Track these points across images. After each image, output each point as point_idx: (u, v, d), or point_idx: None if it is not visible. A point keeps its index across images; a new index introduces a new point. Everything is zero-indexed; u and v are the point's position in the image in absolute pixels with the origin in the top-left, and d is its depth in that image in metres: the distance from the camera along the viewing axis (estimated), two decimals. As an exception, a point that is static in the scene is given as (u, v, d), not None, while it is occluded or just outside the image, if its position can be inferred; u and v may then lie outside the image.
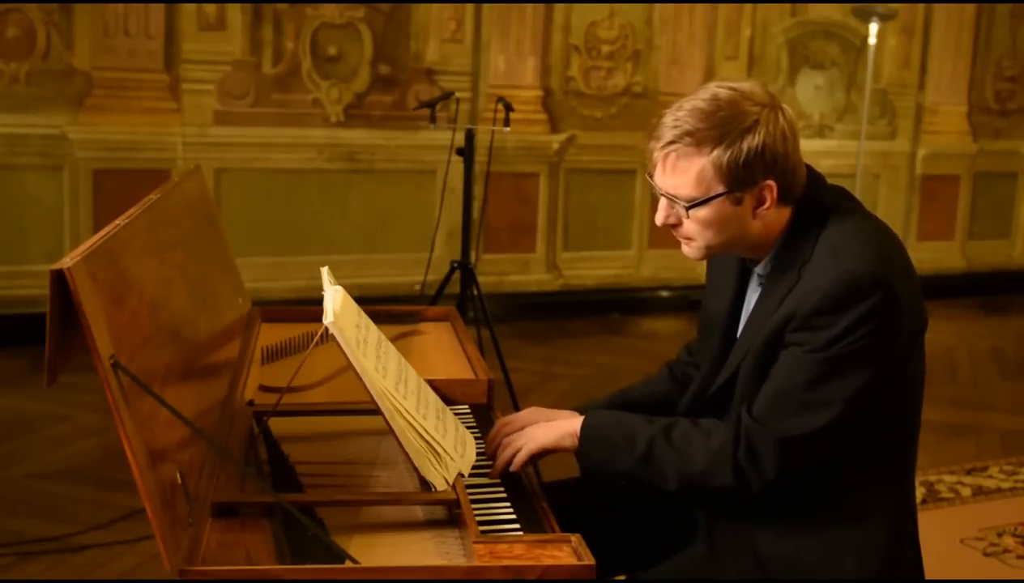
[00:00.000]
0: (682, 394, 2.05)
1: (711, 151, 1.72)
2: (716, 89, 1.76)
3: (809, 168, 1.84)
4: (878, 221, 1.86)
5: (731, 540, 1.88)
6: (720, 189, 1.74)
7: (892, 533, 1.83)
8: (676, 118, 1.75)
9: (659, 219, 1.82)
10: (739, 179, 1.73)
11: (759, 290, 1.87)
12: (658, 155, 1.77)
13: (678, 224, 1.81)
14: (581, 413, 1.94)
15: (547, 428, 1.89)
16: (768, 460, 1.74)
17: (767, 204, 1.76)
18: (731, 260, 1.93)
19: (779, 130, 1.73)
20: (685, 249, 1.85)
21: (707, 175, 1.73)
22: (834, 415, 1.72)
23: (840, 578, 1.80)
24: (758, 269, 1.87)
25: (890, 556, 1.83)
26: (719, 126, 1.72)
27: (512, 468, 1.87)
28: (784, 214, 1.80)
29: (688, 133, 1.73)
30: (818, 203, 1.81)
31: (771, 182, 1.75)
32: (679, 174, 1.75)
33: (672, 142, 1.74)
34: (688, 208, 1.76)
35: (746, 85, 1.77)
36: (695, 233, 1.80)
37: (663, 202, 1.80)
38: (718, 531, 1.90)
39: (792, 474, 1.77)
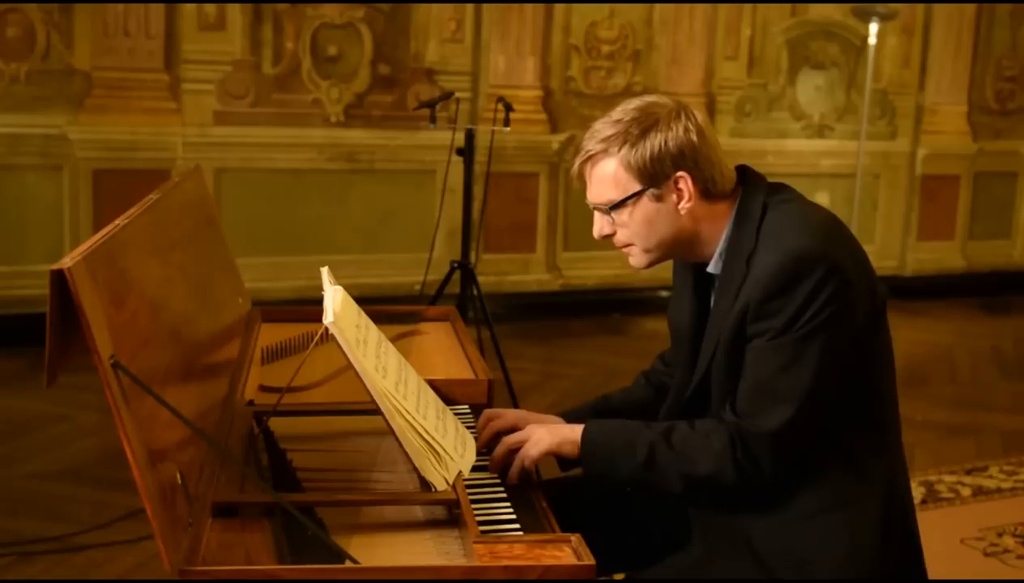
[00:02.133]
0: (659, 399, 2.08)
1: (619, 151, 1.83)
2: (627, 102, 1.88)
3: (750, 169, 1.92)
4: (819, 207, 1.92)
5: (726, 537, 1.89)
6: (637, 187, 1.84)
7: (881, 515, 1.84)
8: (592, 131, 1.88)
9: (595, 232, 1.93)
10: (650, 174, 1.83)
11: (716, 291, 1.90)
12: (581, 168, 1.88)
13: (612, 234, 1.90)
14: (563, 418, 2.02)
15: (550, 430, 1.91)
16: (764, 456, 1.78)
17: (686, 197, 1.84)
18: (688, 268, 1.98)
19: (682, 126, 1.83)
20: (630, 260, 1.93)
21: (621, 176, 1.84)
22: (812, 394, 1.75)
23: (834, 564, 1.81)
24: (711, 269, 1.91)
25: (883, 537, 1.84)
26: (625, 130, 1.83)
27: (527, 466, 1.88)
28: (716, 209, 1.86)
29: (600, 141, 1.85)
30: (758, 198, 1.87)
31: (683, 174, 1.82)
32: (597, 182, 1.87)
33: (588, 151, 1.86)
34: (610, 210, 1.86)
35: (654, 97, 1.90)
36: (629, 237, 1.89)
37: (596, 215, 1.91)
38: (713, 529, 1.92)
39: (790, 465, 1.80)
